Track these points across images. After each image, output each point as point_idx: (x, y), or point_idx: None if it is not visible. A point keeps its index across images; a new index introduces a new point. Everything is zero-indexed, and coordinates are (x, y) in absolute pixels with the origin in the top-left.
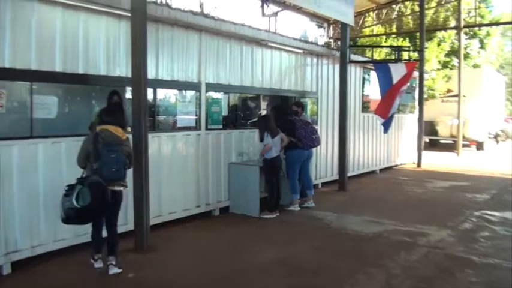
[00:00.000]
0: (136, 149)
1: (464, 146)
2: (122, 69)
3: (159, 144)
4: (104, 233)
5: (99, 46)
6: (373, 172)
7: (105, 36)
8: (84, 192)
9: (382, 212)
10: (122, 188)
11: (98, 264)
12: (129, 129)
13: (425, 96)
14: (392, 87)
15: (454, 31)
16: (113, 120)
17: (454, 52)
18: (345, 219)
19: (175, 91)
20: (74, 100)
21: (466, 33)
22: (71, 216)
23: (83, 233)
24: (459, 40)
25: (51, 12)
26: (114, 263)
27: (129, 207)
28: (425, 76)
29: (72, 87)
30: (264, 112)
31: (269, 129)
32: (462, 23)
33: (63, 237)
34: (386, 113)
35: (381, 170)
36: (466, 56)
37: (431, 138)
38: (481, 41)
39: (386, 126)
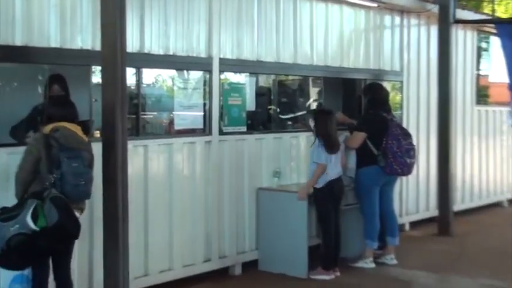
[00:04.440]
0: (108, 166)
1: None
2: (86, 38)
3: (145, 159)
4: None
5: (49, 3)
6: (497, 204)
7: None
8: (47, 208)
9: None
10: (79, 214)
11: None
12: (96, 133)
13: None
14: None
15: None
16: (67, 114)
17: None
18: (449, 284)
19: (172, 72)
20: (8, 87)
21: None
22: (18, 248)
23: None
24: None
25: None
26: None
27: (95, 263)
28: None
29: (5, 68)
30: (315, 104)
31: (325, 137)
32: None
33: None
34: None
35: (510, 201)
36: None
37: None
38: None
39: None
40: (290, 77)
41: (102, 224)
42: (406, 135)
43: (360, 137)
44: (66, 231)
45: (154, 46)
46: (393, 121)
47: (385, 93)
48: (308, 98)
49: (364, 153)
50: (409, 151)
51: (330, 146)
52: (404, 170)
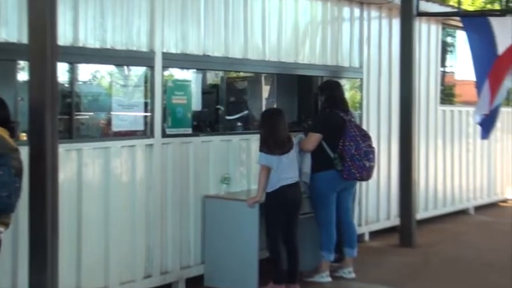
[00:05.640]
0: (36, 173)
1: None
2: (12, 30)
3: (78, 164)
4: None
5: None
6: (463, 212)
7: None
8: None
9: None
10: (2, 229)
11: None
12: (22, 135)
13: None
14: (497, 60)
15: None
16: None
17: None
18: None
19: (110, 68)
20: None
21: None
22: None
23: None
24: None
25: None
26: None
27: (20, 283)
28: None
29: None
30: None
31: (271, 139)
32: None
33: None
34: (486, 103)
35: (477, 208)
36: None
37: None
38: None
39: (487, 126)
40: (240, 74)
41: (28, 238)
42: (365, 136)
43: (314, 138)
44: None
45: (89, 39)
46: (351, 121)
47: (343, 92)
48: (260, 97)
49: (319, 157)
50: (368, 154)
51: (278, 145)
52: (363, 174)
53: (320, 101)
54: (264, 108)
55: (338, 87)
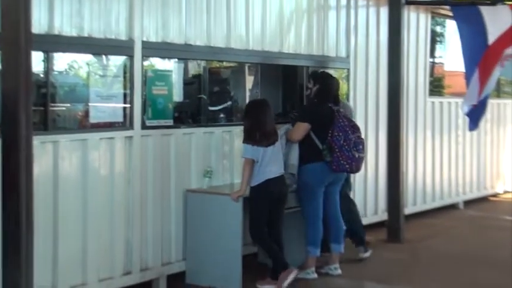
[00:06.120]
0: (9, 167)
1: None
2: None
3: (54, 157)
4: None
5: None
6: (452, 207)
7: None
8: None
9: (469, 283)
10: None
11: None
12: None
13: None
14: (487, 50)
15: None
16: None
17: None
18: None
19: (88, 57)
20: None
21: None
22: None
23: None
24: None
25: None
26: None
27: None
28: None
29: None
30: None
31: (257, 131)
32: None
33: None
34: (475, 94)
35: (466, 202)
36: None
37: None
38: None
39: (475, 117)
40: (223, 64)
41: (1, 233)
42: (354, 127)
43: (302, 128)
44: None
45: (66, 26)
46: (340, 112)
47: (336, 84)
48: (244, 88)
49: (307, 148)
50: (358, 144)
51: (265, 137)
52: (353, 165)
53: (309, 90)
54: (247, 100)
55: (331, 80)
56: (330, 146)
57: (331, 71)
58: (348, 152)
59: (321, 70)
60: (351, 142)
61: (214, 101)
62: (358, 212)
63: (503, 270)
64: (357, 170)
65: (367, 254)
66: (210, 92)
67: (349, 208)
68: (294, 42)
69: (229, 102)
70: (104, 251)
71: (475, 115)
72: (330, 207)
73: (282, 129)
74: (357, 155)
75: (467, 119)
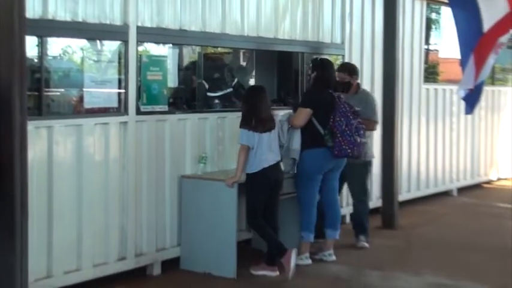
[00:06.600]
0: (4, 150)
1: None
2: None
3: (48, 142)
4: None
5: None
6: (446, 193)
7: None
8: None
9: (461, 268)
10: None
11: None
12: None
13: None
14: (482, 37)
15: None
16: None
17: None
18: (394, 282)
19: (81, 42)
20: None
21: None
22: None
23: None
24: None
25: None
26: None
27: None
28: None
29: None
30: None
31: (254, 116)
32: None
33: None
34: (471, 78)
35: (460, 189)
36: None
37: None
38: None
39: (471, 102)
40: (218, 50)
41: None
42: (355, 113)
43: (304, 113)
44: None
45: (60, 11)
46: (341, 98)
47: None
48: (238, 73)
49: (309, 133)
50: (359, 129)
51: (261, 122)
52: (354, 150)
53: (309, 77)
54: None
55: (331, 67)
56: (332, 131)
57: (325, 57)
58: (350, 137)
59: (320, 58)
60: (352, 127)
61: (210, 87)
62: (368, 203)
63: (495, 256)
64: (359, 154)
65: (367, 245)
66: (205, 78)
67: (361, 200)
68: (289, 28)
69: (224, 89)
70: (98, 236)
71: (472, 99)
72: (328, 194)
73: (285, 115)
74: (358, 140)
75: (463, 103)
